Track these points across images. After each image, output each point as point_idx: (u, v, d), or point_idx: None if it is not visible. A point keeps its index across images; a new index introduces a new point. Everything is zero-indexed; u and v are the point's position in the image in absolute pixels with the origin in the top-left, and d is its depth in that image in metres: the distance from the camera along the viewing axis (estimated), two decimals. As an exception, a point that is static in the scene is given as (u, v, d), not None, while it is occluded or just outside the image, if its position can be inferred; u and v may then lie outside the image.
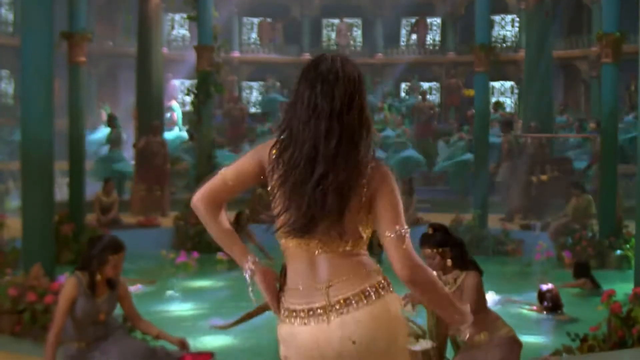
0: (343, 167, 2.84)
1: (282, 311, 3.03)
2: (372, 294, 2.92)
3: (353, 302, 2.91)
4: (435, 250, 5.36)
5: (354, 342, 2.88)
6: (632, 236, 11.36)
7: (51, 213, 8.93)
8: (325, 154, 2.84)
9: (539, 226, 14.26)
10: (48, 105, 8.97)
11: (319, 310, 2.93)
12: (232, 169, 3.03)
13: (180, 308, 9.98)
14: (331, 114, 2.86)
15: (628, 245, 11.90)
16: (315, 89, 2.89)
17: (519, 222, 15.25)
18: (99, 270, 5.32)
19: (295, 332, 2.98)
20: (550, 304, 9.25)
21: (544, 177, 16.19)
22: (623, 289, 8.36)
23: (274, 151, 2.95)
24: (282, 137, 2.93)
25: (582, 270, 10.68)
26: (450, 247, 5.41)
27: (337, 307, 2.91)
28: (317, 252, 2.96)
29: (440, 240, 5.39)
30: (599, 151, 15.54)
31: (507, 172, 16.71)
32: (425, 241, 5.37)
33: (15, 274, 7.35)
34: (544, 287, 9.45)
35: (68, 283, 5.34)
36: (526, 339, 5.80)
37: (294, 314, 2.98)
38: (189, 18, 15.00)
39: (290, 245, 2.99)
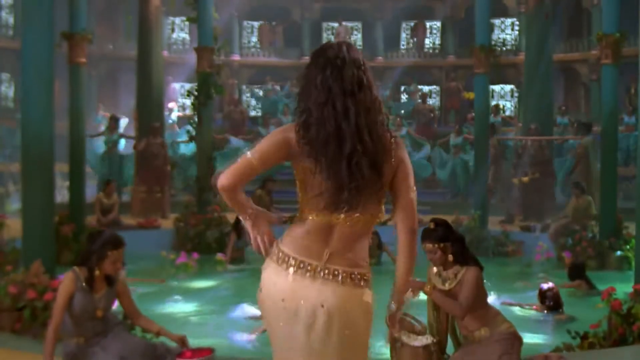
0: (368, 140, 3.10)
1: (277, 253, 3.26)
2: (356, 279, 3.22)
3: (339, 277, 3.18)
4: (436, 245, 5.37)
5: (322, 306, 3.15)
6: (632, 237, 11.39)
7: (51, 213, 8.92)
8: (349, 130, 3.09)
9: (539, 227, 14.30)
10: (48, 107, 8.96)
11: (309, 267, 3.19)
12: (257, 151, 3.19)
13: (181, 308, 9.97)
14: (344, 94, 3.10)
15: (628, 246, 11.91)
16: (326, 72, 3.13)
17: (519, 224, 15.27)
18: (98, 265, 5.33)
19: (278, 276, 3.23)
20: (552, 302, 9.25)
21: (525, 179, 16.39)
22: (623, 289, 8.35)
23: (300, 133, 3.17)
24: (302, 119, 3.16)
25: (577, 272, 10.69)
26: (452, 242, 5.41)
27: (326, 272, 3.18)
28: (339, 225, 3.21)
29: (442, 235, 5.39)
30: (582, 153, 15.64)
31: (494, 175, 16.97)
32: (426, 236, 5.38)
33: (15, 273, 7.33)
34: (545, 285, 9.45)
35: (66, 278, 5.35)
36: (525, 337, 5.79)
37: (287, 259, 3.22)
38: (189, 20, 15.00)
39: (318, 218, 3.22)
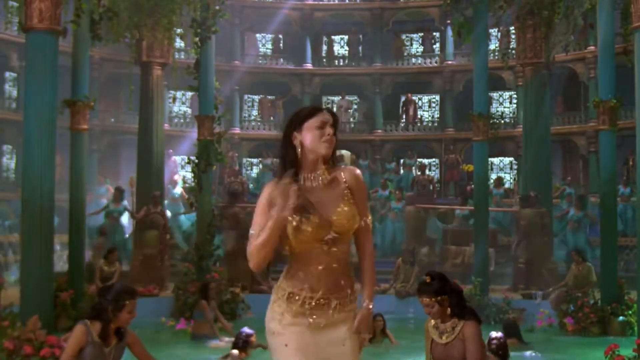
0: None
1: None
2: None
3: None
4: (433, 299, 5.27)
5: None
6: (634, 302, 11.33)
7: (50, 280, 8.95)
8: None
9: (540, 295, 14.22)
10: (49, 178, 9.06)
11: None
12: None
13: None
14: None
15: (630, 312, 11.82)
16: None
17: (521, 292, 15.20)
18: (115, 316, 5.27)
19: None
20: (500, 352, 8.75)
21: None
22: (626, 355, 8.31)
23: None
24: None
25: (511, 330, 10.64)
26: (449, 294, 5.32)
27: None
28: None
29: (438, 289, 5.28)
30: (525, 225, 15.78)
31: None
32: (423, 290, 5.28)
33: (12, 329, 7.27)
34: (494, 334, 8.97)
35: (77, 330, 5.29)
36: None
37: None
38: (191, 88, 15.14)
39: None
